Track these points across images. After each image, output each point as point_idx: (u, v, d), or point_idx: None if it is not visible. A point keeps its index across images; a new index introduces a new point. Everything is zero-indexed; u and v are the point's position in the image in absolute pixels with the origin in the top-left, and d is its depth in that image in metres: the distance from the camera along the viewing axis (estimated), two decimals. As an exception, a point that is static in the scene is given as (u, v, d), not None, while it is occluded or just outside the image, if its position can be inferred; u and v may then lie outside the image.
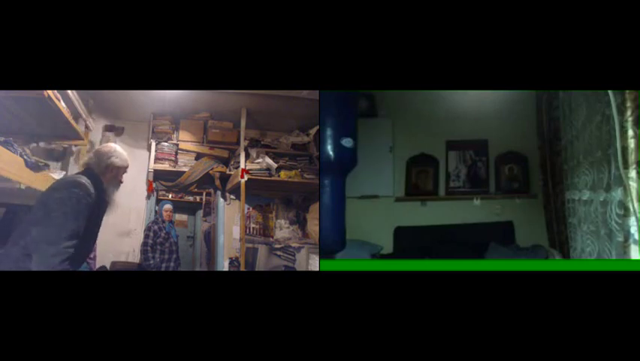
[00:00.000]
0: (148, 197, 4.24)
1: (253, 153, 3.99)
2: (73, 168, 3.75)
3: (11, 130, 3.04)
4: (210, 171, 4.13)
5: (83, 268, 2.05)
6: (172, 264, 3.91)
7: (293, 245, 4.32)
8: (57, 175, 2.90)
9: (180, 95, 3.65)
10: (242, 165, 3.74)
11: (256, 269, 4.19)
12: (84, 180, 1.88)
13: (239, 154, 3.87)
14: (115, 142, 4.19)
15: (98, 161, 2.03)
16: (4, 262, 1.76)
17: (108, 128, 4.23)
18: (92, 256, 3.46)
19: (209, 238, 4.89)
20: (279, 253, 4.32)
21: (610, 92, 1.80)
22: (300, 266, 4.26)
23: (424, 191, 3.95)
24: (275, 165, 3.91)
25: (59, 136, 3.43)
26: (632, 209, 1.67)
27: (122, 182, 2.12)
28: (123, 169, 2.10)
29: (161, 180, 4.27)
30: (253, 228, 4.36)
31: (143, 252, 3.81)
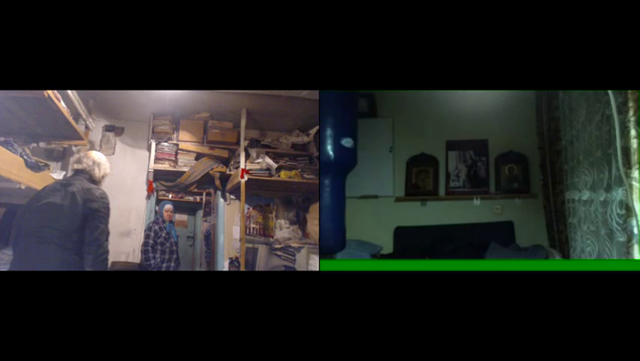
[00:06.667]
0: (148, 197, 4.23)
1: (253, 153, 3.98)
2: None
3: (11, 130, 3.04)
4: (210, 171, 4.13)
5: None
6: (172, 264, 3.91)
7: (293, 245, 4.31)
8: (57, 175, 2.90)
9: (180, 95, 3.64)
10: (242, 165, 3.74)
11: (256, 269, 4.19)
12: (102, 190, 2.25)
13: (239, 154, 3.87)
14: (115, 142, 4.21)
15: (98, 170, 2.33)
16: (46, 264, 1.99)
17: (108, 128, 4.22)
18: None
19: (209, 238, 4.89)
20: (279, 253, 4.31)
21: (610, 92, 1.80)
22: (300, 266, 4.25)
23: (424, 191, 3.95)
24: (275, 165, 3.91)
25: (59, 136, 3.42)
26: (634, 209, 1.67)
27: None
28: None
29: (161, 180, 4.26)
30: (253, 228, 4.36)
31: (144, 252, 3.81)
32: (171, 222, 4.10)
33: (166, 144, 4.16)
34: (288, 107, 3.81)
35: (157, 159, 4.12)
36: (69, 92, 3.00)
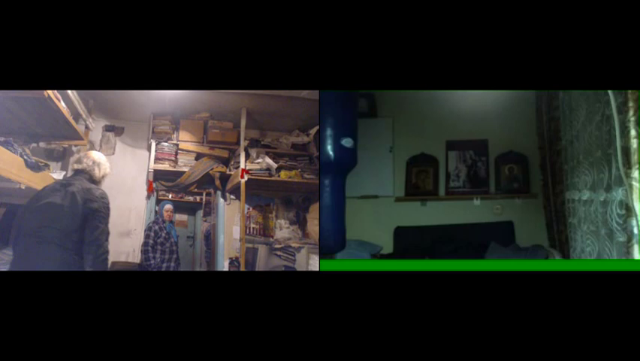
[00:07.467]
0: (148, 197, 4.23)
1: (253, 153, 3.98)
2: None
3: (11, 130, 3.04)
4: (210, 171, 4.13)
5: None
6: (172, 264, 3.91)
7: (293, 245, 4.31)
8: (57, 175, 2.90)
9: (180, 95, 3.64)
10: (242, 165, 3.74)
11: (256, 269, 4.19)
12: (102, 190, 2.25)
13: (239, 154, 3.87)
14: (115, 142, 4.21)
15: (98, 170, 2.33)
16: (46, 264, 1.99)
17: (108, 128, 4.23)
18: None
19: (209, 238, 4.89)
20: (279, 253, 4.31)
21: (610, 92, 1.80)
22: (300, 266, 4.25)
23: (424, 191, 3.96)
24: (275, 165, 3.91)
25: (59, 136, 3.43)
26: (634, 209, 1.67)
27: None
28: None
29: (161, 180, 4.26)
30: (253, 228, 4.36)
31: (144, 252, 3.81)
32: (171, 222, 4.10)
33: (166, 144, 4.16)
34: (288, 107, 3.81)
35: (157, 159, 4.12)
36: (69, 92, 3.00)
